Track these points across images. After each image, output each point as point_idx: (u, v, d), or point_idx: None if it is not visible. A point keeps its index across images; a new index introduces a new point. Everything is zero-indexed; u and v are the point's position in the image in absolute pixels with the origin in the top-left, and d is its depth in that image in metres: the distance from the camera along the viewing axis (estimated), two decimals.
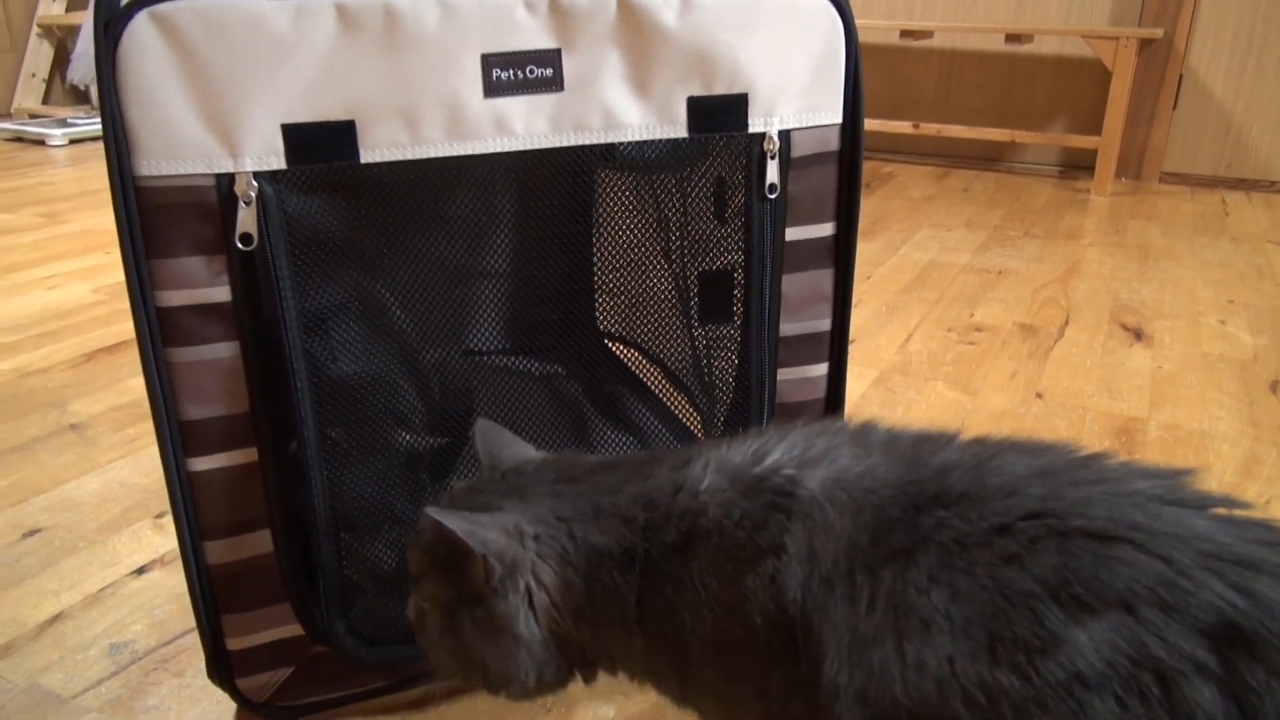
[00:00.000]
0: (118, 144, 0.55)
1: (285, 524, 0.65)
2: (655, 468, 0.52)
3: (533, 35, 0.61)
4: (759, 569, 0.45)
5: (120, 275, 1.74)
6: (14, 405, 1.22)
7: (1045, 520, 0.40)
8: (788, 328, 0.74)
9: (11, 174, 2.55)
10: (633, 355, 0.86)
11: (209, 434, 0.62)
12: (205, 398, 0.61)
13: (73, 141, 2.94)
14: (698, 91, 0.65)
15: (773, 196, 0.69)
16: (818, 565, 0.44)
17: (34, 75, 3.33)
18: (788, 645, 0.45)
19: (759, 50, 0.66)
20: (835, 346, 0.77)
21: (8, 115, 3.27)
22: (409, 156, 0.61)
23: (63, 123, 3.01)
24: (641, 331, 0.84)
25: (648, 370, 0.85)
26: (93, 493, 1.02)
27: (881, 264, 1.89)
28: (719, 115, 0.66)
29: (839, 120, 0.71)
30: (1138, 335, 1.52)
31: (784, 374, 0.76)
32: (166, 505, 1.00)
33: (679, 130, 0.66)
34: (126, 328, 1.49)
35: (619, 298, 0.85)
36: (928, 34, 2.77)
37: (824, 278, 0.74)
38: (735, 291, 0.73)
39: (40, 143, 2.92)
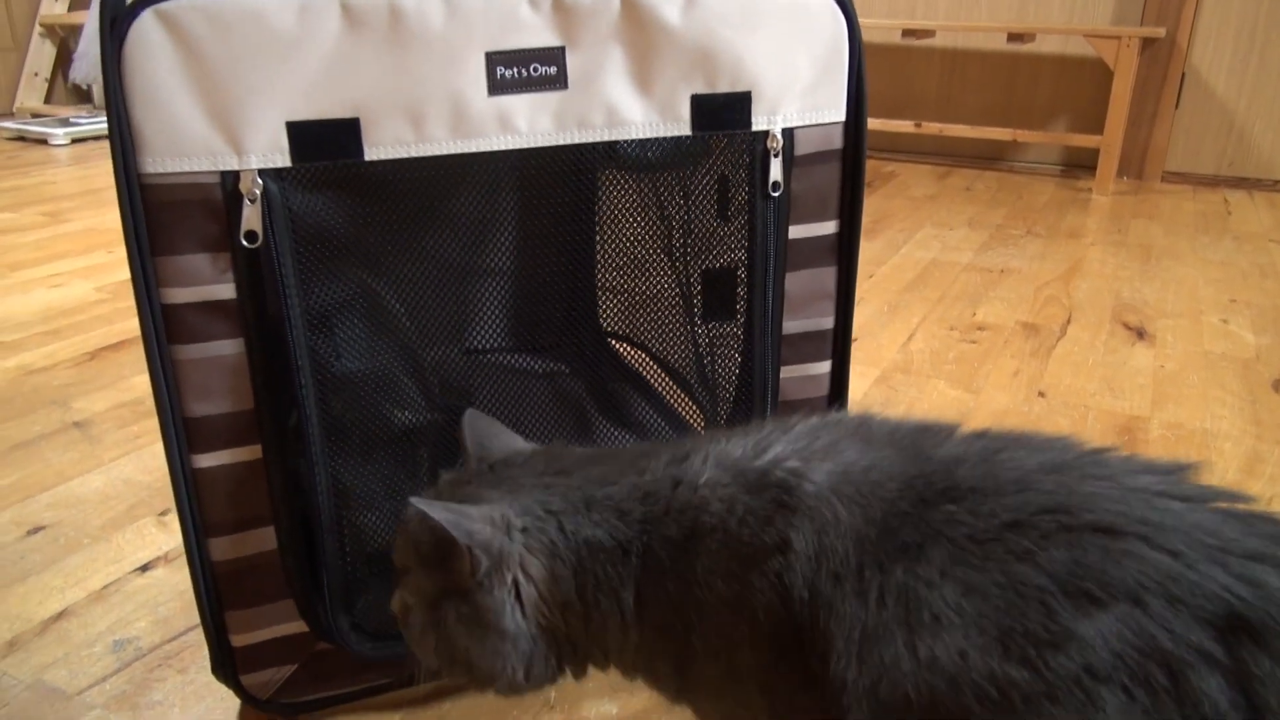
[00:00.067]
0: (123, 141, 0.55)
1: (289, 521, 0.65)
2: (650, 461, 0.52)
3: (536, 33, 0.61)
4: (764, 566, 0.45)
5: (123, 273, 1.74)
6: (18, 403, 1.23)
7: (1056, 516, 0.41)
8: (791, 325, 0.74)
9: (14, 173, 2.55)
10: (635, 354, 0.86)
11: (213, 431, 0.62)
12: (210, 395, 0.61)
13: (75, 141, 2.94)
14: (701, 89, 0.66)
15: (776, 194, 0.70)
16: (826, 561, 0.44)
17: (36, 74, 3.33)
18: (793, 642, 0.44)
19: (763, 48, 0.66)
20: (838, 344, 0.77)
21: (10, 114, 3.28)
22: (413, 154, 0.61)
23: (65, 122, 3.01)
24: (644, 330, 0.84)
25: (650, 369, 0.85)
26: (97, 490, 1.02)
27: (883, 263, 1.89)
28: (722, 113, 0.66)
29: (842, 118, 0.71)
30: (1140, 334, 1.52)
31: (787, 371, 0.76)
32: (170, 502, 1.00)
33: (682, 128, 0.66)
34: (130, 326, 1.49)
35: (621, 296, 0.85)
36: (930, 33, 2.77)
37: (827, 275, 0.74)
38: (738, 289, 0.74)
39: (43, 142, 2.93)
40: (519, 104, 0.62)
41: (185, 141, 0.56)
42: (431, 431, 0.73)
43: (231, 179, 0.57)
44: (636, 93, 0.65)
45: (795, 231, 0.72)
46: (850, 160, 0.72)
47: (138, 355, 1.38)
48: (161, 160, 0.56)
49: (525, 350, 0.83)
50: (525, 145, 0.63)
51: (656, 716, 0.72)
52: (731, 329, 0.75)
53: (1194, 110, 2.63)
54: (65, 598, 0.85)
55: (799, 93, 0.68)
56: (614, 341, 0.87)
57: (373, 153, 0.60)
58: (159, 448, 1.11)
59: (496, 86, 0.61)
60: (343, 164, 0.59)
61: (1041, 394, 1.30)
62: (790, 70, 0.68)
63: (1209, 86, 2.60)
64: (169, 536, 0.94)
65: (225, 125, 0.57)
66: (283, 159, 0.58)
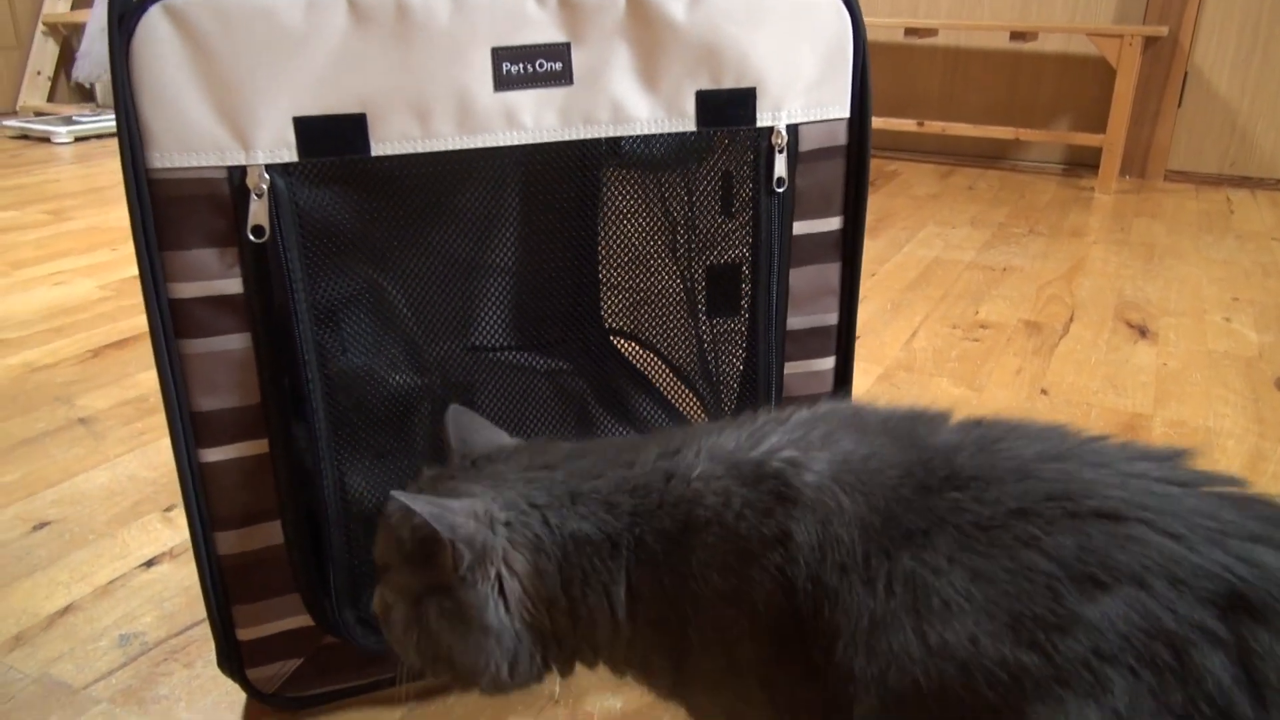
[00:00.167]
0: (131, 137, 0.55)
1: (295, 515, 0.65)
2: (638, 454, 0.51)
3: (542, 29, 0.61)
4: (765, 560, 0.45)
5: (126, 271, 1.75)
6: (23, 400, 1.23)
7: (1060, 503, 0.41)
8: (795, 321, 0.75)
9: (17, 171, 2.56)
10: (639, 351, 0.86)
11: (220, 425, 0.62)
12: (217, 389, 0.61)
13: (78, 139, 2.95)
14: (706, 85, 0.66)
15: (780, 191, 0.70)
16: (831, 551, 0.44)
17: (39, 73, 3.34)
18: (794, 633, 0.44)
19: (767, 44, 0.66)
20: (842, 340, 0.77)
21: (13, 113, 3.28)
22: (419, 149, 0.61)
23: (68, 120, 3.01)
24: (647, 327, 0.85)
25: (654, 366, 0.86)
26: (102, 486, 1.03)
27: (886, 261, 1.89)
28: (727, 109, 0.67)
29: (847, 115, 0.71)
30: (1142, 332, 1.52)
31: (791, 368, 0.76)
32: (175, 498, 1.00)
33: (687, 124, 0.66)
34: (133, 323, 1.49)
35: (625, 294, 0.85)
36: (932, 31, 2.77)
37: (831, 272, 0.75)
38: (743, 285, 0.74)
39: (46, 140, 2.93)
40: (525, 100, 0.62)
41: (193, 137, 0.56)
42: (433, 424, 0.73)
43: (239, 174, 0.58)
44: (642, 89, 0.65)
45: (800, 227, 0.72)
46: (855, 156, 0.72)
47: (141, 352, 1.38)
48: (169, 155, 0.56)
49: (528, 348, 0.84)
50: (531, 141, 0.63)
51: (660, 711, 0.72)
52: (736, 325, 0.76)
53: (1196, 109, 2.63)
54: (71, 593, 0.85)
55: (803, 89, 0.69)
56: (617, 339, 0.87)
57: (379, 148, 0.60)
58: (163, 444, 1.11)
59: (502, 82, 0.61)
60: (349, 159, 0.60)
61: (1044, 392, 1.30)
62: (795, 66, 0.68)
63: (1211, 85, 2.60)
64: (174, 532, 0.94)
65: (232, 120, 0.57)
66: (289, 154, 0.58)
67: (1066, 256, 1.93)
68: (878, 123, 2.69)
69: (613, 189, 0.78)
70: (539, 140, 0.63)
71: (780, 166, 0.69)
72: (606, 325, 0.87)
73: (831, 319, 0.76)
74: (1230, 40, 2.55)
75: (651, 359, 0.85)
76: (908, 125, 2.71)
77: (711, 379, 0.80)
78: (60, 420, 1.17)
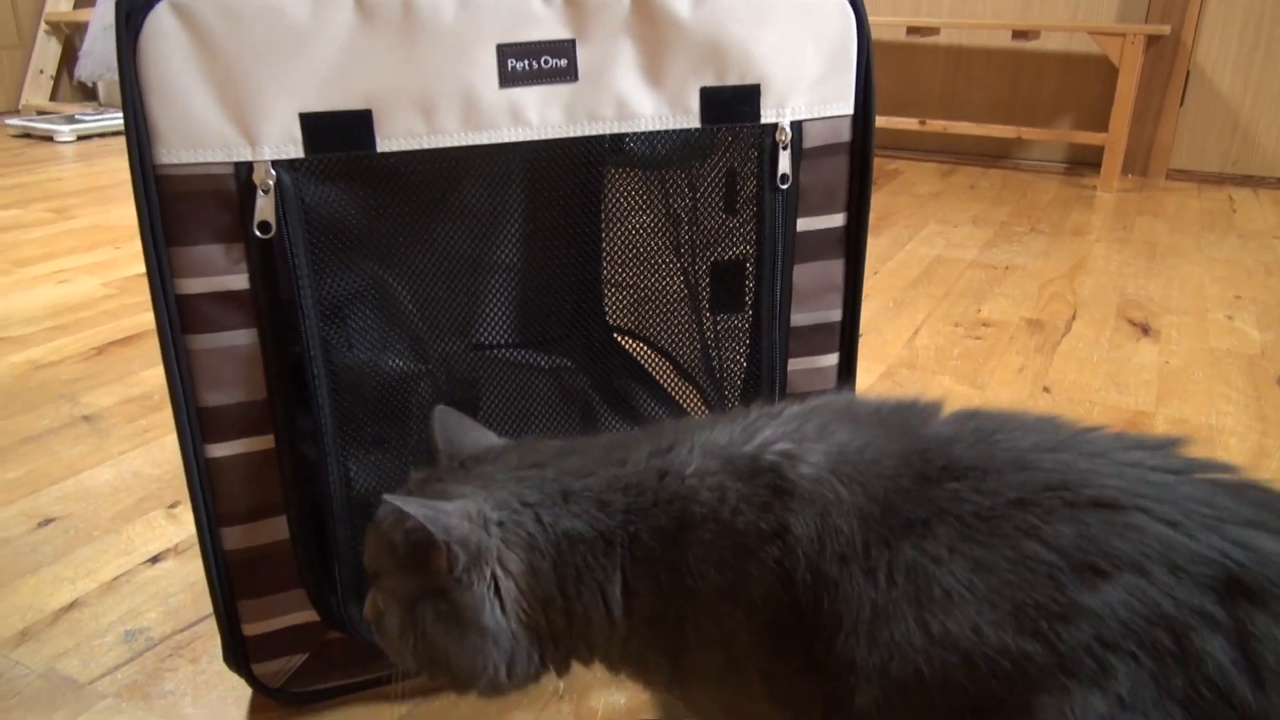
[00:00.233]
0: (138, 133, 0.56)
1: (301, 510, 0.66)
2: (629, 451, 0.51)
3: (547, 26, 0.62)
4: (762, 554, 0.45)
5: (129, 269, 1.75)
6: (27, 397, 1.23)
7: (1059, 493, 0.42)
8: (799, 318, 0.75)
9: (20, 170, 2.56)
10: (641, 348, 0.86)
11: (227, 421, 0.62)
12: (223, 384, 0.62)
13: (80, 138, 2.95)
14: (711, 82, 0.66)
15: (784, 187, 0.70)
16: (830, 542, 0.44)
17: (42, 72, 3.34)
18: (794, 626, 0.44)
19: (772, 41, 0.66)
20: (846, 336, 0.77)
21: (16, 111, 3.29)
22: (425, 146, 0.61)
23: (70, 119, 3.02)
24: (650, 325, 0.85)
25: (657, 363, 0.86)
26: (106, 483, 1.03)
27: (888, 259, 1.89)
28: (732, 106, 0.67)
29: (851, 111, 0.71)
30: (1145, 330, 1.52)
31: (795, 364, 0.76)
32: (180, 495, 1.00)
33: (692, 120, 0.67)
34: (137, 321, 1.49)
35: (628, 292, 0.85)
36: (934, 30, 2.77)
37: (835, 268, 0.75)
38: (746, 282, 0.74)
39: (48, 139, 2.93)
40: (530, 96, 0.62)
41: (199, 133, 0.57)
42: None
43: (245, 170, 0.58)
44: (646, 85, 0.65)
45: (804, 224, 0.72)
46: (858, 153, 0.72)
47: (145, 350, 1.38)
48: (176, 151, 0.57)
49: (531, 345, 0.84)
50: (536, 137, 0.63)
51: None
52: (739, 322, 0.76)
53: (1199, 108, 2.63)
54: (76, 588, 0.86)
55: (807, 86, 0.69)
56: (620, 336, 0.87)
57: (385, 144, 0.60)
58: (168, 441, 1.12)
59: (508, 79, 0.62)
60: (355, 155, 0.60)
61: (1046, 390, 1.30)
62: (799, 63, 0.68)
63: (1214, 84, 2.60)
64: (179, 529, 0.95)
65: (239, 116, 0.57)
66: (296, 150, 0.59)
67: (1069, 255, 1.93)
68: (879, 121, 2.69)
69: (616, 187, 0.78)
70: (544, 137, 0.64)
71: (784, 163, 0.69)
72: (610, 323, 0.87)
73: (835, 315, 0.76)
74: (1232, 39, 2.55)
75: (655, 356, 0.86)
76: (909, 124, 2.71)
77: (715, 376, 0.80)
78: (65, 417, 1.18)
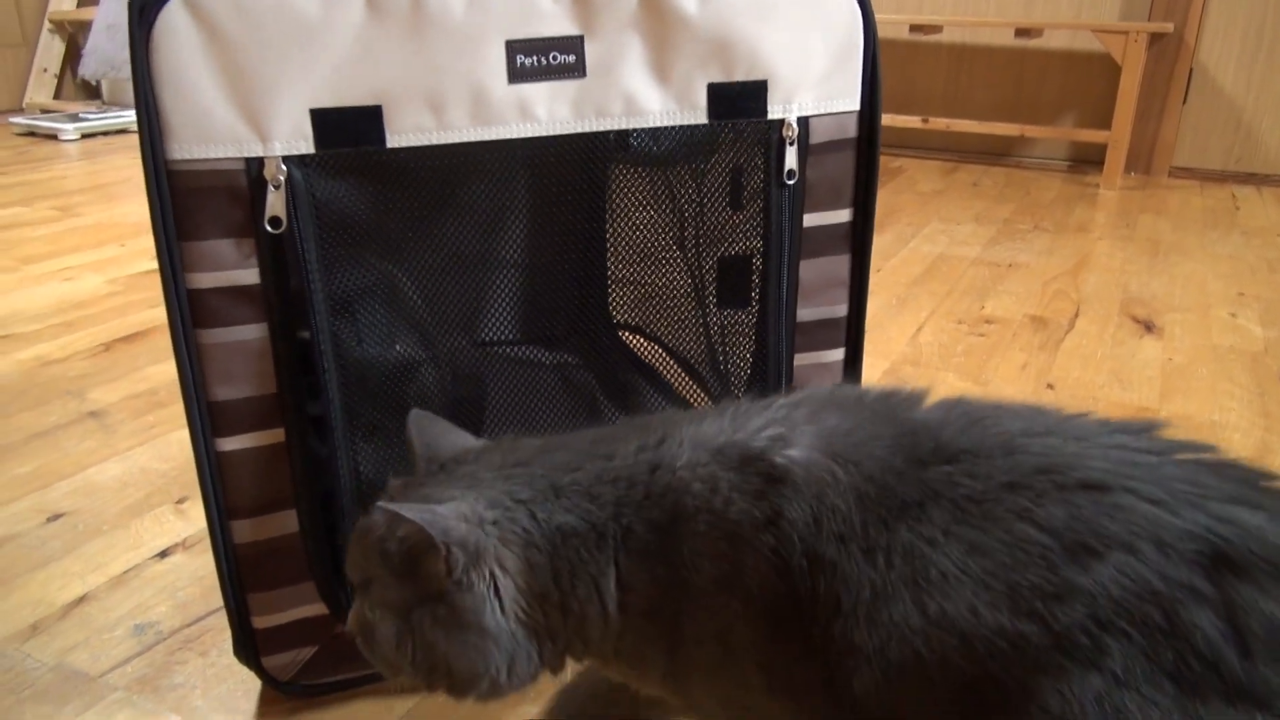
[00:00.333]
0: (151, 128, 0.56)
1: (310, 504, 0.66)
2: (615, 445, 0.51)
3: (556, 22, 0.62)
4: (756, 543, 0.45)
5: (135, 266, 1.75)
6: (35, 393, 1.24)
7: (1049, 476, 0.42)
8: (805, 313, 0.75)
9: (25, 168, 2.57)
10: (647, 345, 0.87)
11: (237, 415, 0.63)
12: (233, 379, 0.62)
13: (84, 136, 2.95)
14: (718, 78, 0.66)
15: (791, 183, 0.70)
16: (827, 522, 0.44)
17: (45, 70, 3.34)
18: (791, 613, 0.44)
19: (778, 37, 0.67)
20: (852, 331, 0.77)
21: (20, 110, 3.29)
22: (434, 141, 0.61)
23: (74, 117, 3.02)
24: (655, 321, 0.85)
25: (662, 360, 0.86)
26: (114, 478, 1.03)
27: (891, 256, 1.90)
28: (739, 101, 0.67)
29: (857, 107, 0.71)
30: (1148, 327, 1.53)
31: (801, 359, 0.77)
32: (187, 490, 1.01)
33: (699, 116, 0.67)
34: (142, 318, 1.50)
35: (633, 288, 0.86)
36: (937, 28, 2.77)
37: (841, 263, 0.75)
38: (753, 277, 0.74)
39: (52, 137, 2.94)
40: (538, 92, 0.63)
41: (211, 128, 0.57)
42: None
43: (256, 165, 0.58)
44: (654, 81, 0.65)
45: (810, 219, 0.73)
46: (864, 148, 0.72)
47: (151, 347, 1.39)
48: (188, 147, 0.57)
49: (537, 342, 0.84)
50: (544, 133, 0.64)
51: None
52: (745, 317, 0.76)
53: (1202, 106, 2.63)
54: (86, 583, 0.86)
55: (814, 81, 0.69)
56: (625, 333, 0.88)
57: (394, 140, 0.60)
58: (175, 436, 1.12)
59: (516, 74, 0.62)
60: (365, 151, 0.60)
61: (1050, 386, 1.30)
62: (805, 59, 0.68)
63: (1217, 82, 2.60)
64: (186, 523, 0.95)
65: (250, 112, 0.57)
66: (306, 146, 0.59)
67: (1072, 252, 1.94)
68: (882, 119, 2.69)
69: (621, 184, 0.78)
70: (552, 132, 0.64)
71: (791, 158, 0.69)
72: (615, 319, 0.87)
73: (841, 310, 0.76)
74: (1235, 37, 2.55)
75: (660, 353, 0.86)
76: (913, 122, 2.71)
77: (720, 371, 0.81)
78: (72, 413, 1.18)
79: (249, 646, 0.69)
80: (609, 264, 0.84)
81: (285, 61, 0.57)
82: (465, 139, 0.62)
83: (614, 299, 0.86)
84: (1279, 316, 1.58)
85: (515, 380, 0.79)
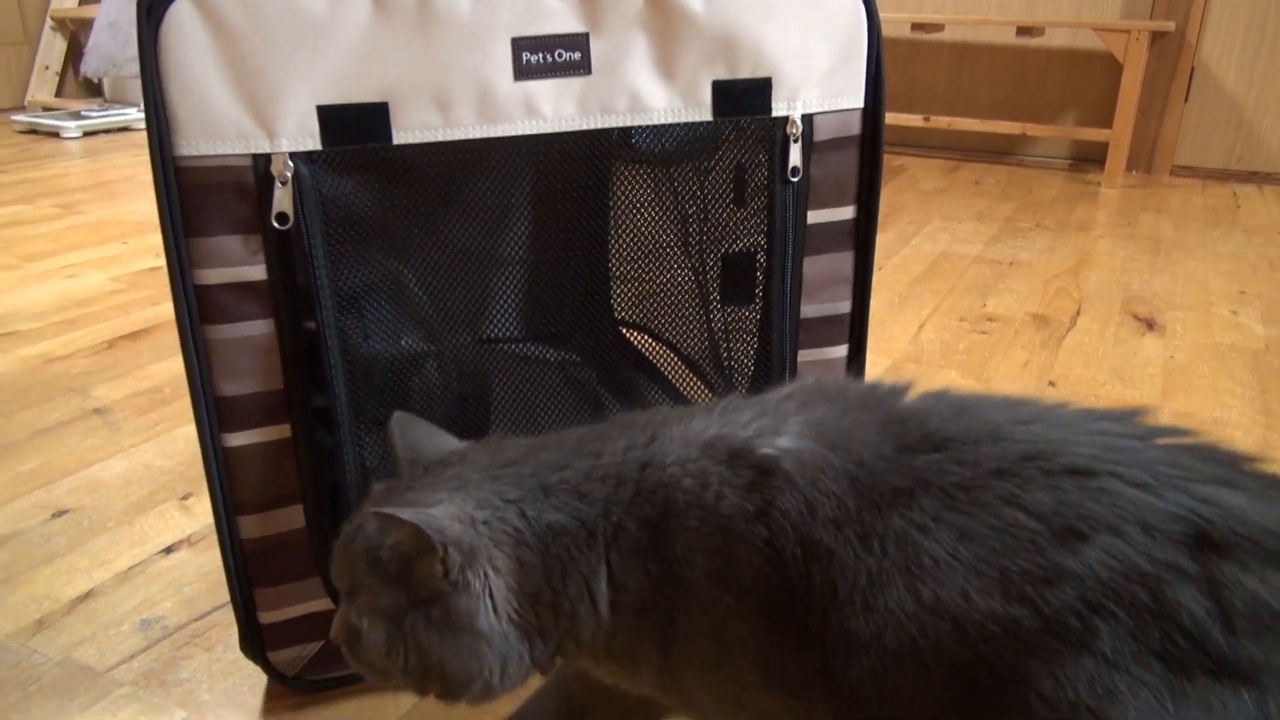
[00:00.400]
0: (159, 124, 0.56)
1: (317, 499, 0.66)
2: (603, 443, 0.51)
3: (561, 19, 0.62)
4: (749, 536, 0.45)
5: (137, 264, 1.76)
6: (38, 391, 1.24)
7: (1035, 462, 0.43)
8: (808, 309, 0.75)
9: (27, 165, 2.57)
10: (649, 342, 0.87)
11: (244, 410, 0.63)
12: (240, 374, 0.62)
13: (86, 134, 2.96)
14: (723, 75, 0.66)
15: (795, 180, 0.70)
16: (821, 506, 0.44)
17: (47, 68, 3.35)
18: (785, 605, 0.45)
19: (783, 35, 0.67)
20: (855, 328, 0.78)
21: (21, 108, 3.30)
22: (440, 138, 0.62)
23: (76, 115, 3.02)
24: (658, 319, 0.85)
25: (665, 357, 0.86)
26: (118, 475, 1.04)
27: (893, 254, 1.90)
28: (743, 99, 0.67)
29: (861, 105, 0.72)
30: (1150, 325, 1.53)
31: (804, 355, 0.77)
32: (191, 487, 1.01)
33: (704, 113, 0.67)
34: (145, 315, 1.50)
35: (636, 285, 0.86)
36: (939, 27, 2.77)
37: (844, 260, 0.75)
38: (757, 273, 0.74)
39: (54, 135, 2.94)
40: (544, 89, 0.63)
41: (219, 125, 0.57)
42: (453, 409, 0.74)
43: (263, 162, 0.59)
44: (659, 78, 0.65)
45: (814, 216, 0.73)
46: (868, 146, 0.73)
47: (154, 344, 1.39)
48: (195, 143, 0.57)
49: (539, 339, 0.84)
50: (550, 130, 0.64)
51: None
52: (749, 313, 0.76)
53: (1203, 104, 2.63)
54: (91, 578, 0.86)
55: (818, 79, 0.69)
56: (628, 331, 0.88)
57: (401, 136, 0.61)
58: (178, 433, 1.12)
59: (522, 72, 0.62)
60: (371, 148, 0.60)
61: (1052, 384, 1.31)
62: (810, 57, 0.68)
63: (1218, 81, 2.60)
64: (191, 520, 0.95)
65: (257, 109, 0.58)
66: (313, 142, 0.59)
67: (1073, 251, 1.94)
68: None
69: (624, 181, 0.78)
70: (558, 129, 0.64)
71: (795, 156, 0.70)
72: (618, 317, 0.88)
73: (845, 307, 0.77)
74: (1237, 35, 2.55)
75: (663, 350, 0.86)
76: (914, 120, 2.71)
77: (723, 369, 0.81)
78: (76, 410, 1.18)
79: (255, 641, 0.69)
80: (612, 261, 0.84)
81: (292, 58, 0.57)
82: (471, 136, 0.62)
83: (617, 296, 0.87)
84: None
85: (519, 377, 0.79)
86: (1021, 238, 2.03)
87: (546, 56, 0.62)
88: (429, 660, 0.48)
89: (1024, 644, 0.40)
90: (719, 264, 0.77)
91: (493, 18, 0.60)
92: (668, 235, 0.81)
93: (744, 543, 0.45)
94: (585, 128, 0.65)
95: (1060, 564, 0.40)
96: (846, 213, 0.74)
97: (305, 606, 0.69)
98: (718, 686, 0.48)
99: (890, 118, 2.73)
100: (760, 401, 0.51)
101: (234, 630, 0.70)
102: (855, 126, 0.72)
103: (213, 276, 0.60)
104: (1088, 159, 2.79)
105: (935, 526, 0.42)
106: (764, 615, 0.45)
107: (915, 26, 2.72)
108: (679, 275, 0.81)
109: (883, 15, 2.74)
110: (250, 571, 0.67)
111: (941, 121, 2.69)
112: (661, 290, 0.83)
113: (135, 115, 3.05)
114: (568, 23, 0.62)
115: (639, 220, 0.81)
